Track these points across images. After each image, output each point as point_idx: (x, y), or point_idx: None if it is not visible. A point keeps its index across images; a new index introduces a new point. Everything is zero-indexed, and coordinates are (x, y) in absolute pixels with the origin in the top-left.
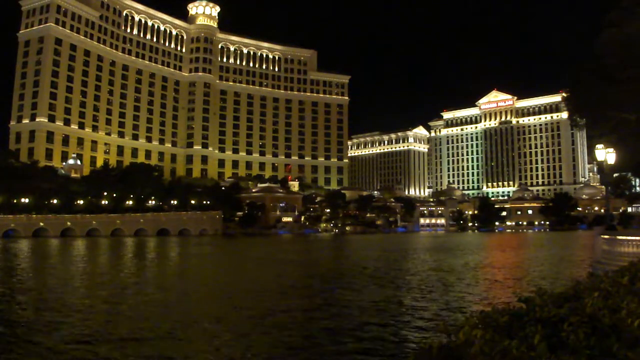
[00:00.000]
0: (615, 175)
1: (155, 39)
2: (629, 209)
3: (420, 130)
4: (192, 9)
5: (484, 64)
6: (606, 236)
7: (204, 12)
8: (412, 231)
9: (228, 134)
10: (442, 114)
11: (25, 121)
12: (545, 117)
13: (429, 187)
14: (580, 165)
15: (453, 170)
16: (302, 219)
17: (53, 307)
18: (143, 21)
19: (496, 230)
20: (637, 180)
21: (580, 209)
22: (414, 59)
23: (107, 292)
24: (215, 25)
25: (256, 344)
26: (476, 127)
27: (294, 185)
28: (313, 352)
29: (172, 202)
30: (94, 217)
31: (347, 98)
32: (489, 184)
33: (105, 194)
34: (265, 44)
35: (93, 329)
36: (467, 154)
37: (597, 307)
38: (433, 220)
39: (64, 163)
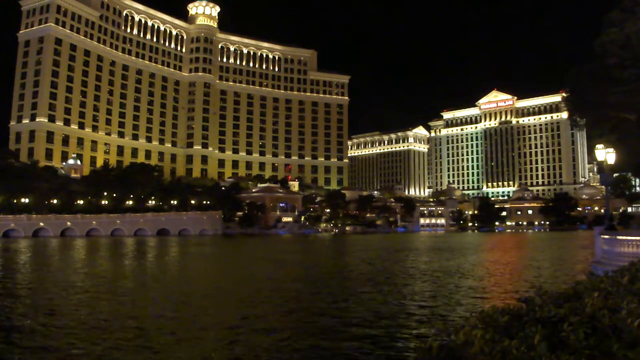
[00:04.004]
0: (615, 175)
1: (155, 39)
2: (629, 209)
3: (420, 130)
4: (192, 9)
5: (484, 64)
6: (606, 236)
7: (204, 12)
8: (412, 231)
9: (228, 134)
10: (442, 114)
11: (25, 121)
12: (545, 117)
13: (429, 187)
14: (580, 165)
15: (453, 170)
16: (302, 219)
17: (52, 307)
18: (143, 21)
19: (496, 230)
20: (637, 180)
21: (580, 209)
22: (414, 58)
23: (103, 292)
24: (215, 25)
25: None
26: (476, 127)
27: (294, 185)
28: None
29: (172, 202)
30: (94, 217)
31: (347, 98)
32: (489, 184)
33: (105, 194)
34: (265, 44)
35: (83, 333)
36: (467, 154)
37: (597, 307)
38: (433, 220)
39: (64, 163)
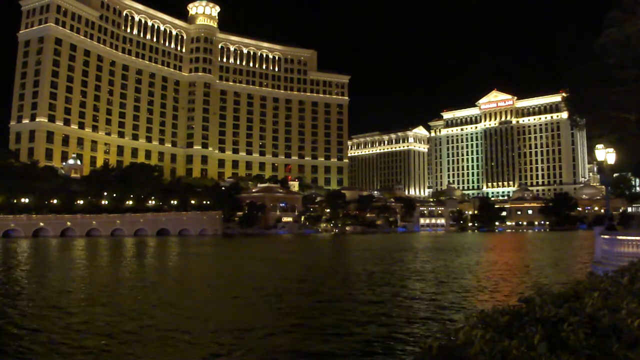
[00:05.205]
0: (615, 175)
1: (155, 39)
2: (629, 209)
3: (420, 130)
4: (192, 9)
5: (484, 64)
6: (606, 236)
7: (204, 12)
8: (412, 231)
9: (228, 134)
10: (442, 114)
11: (25, 121)
12: (545, 117)
13: (429, 187)
14: (580, 165)
15: (453, 170)
16: (302, 219)
17: (54, 306)
18: (143, 21)
19: (496, 230)
20: (637, 180)
21: (580, 209)
22: (414, 58)
23: (105, 292)
24: (215, 25)
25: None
26: (476, 127)
27: (294, 185)
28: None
29: (172, 202)
30: (93, 217)
31: (347, 98)
32: (489, 184)
33: (105, 194)
34: (265, 44)
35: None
36: (467, 154)
37: (597, 307)
38: (433, 220)
39: (64, 163)
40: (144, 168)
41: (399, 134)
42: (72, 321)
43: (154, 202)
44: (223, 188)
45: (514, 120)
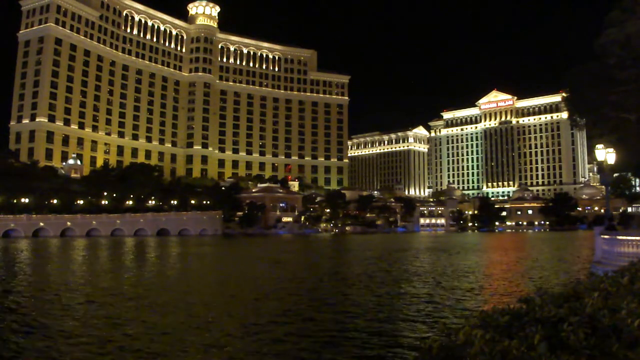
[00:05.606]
0: (615, 175)
1: (155, 39)
2: (629, 209)
3: (420, 130)
4: (192, 9)
5: (484, 64)
6: (606, 236)
7: (204, 12)
8: (412, 231)
9: (228, 134)
10: (442, 114)
11: (25, 121)
12: (545, 117)
13: (429, 187)
14: (580, 165)
15: (453, 170)
16: (302, 219)
17: (54, 308)
18: (143, 21)
19: (496, 230)
20: (637, 180)
21: (580, 209)
22: (414, 58)
23: (104, 293)
24: (215, 25)
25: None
26: (476, 127)
27: (294, 185)
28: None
29: (172, 202)
30: (93, 217)
31: (347, 98)
32: (489, 184)
33: (105, 194)
34: (265, 44)
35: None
36: (467, 154)
37: (597, 307)
38: (433, 220)
39: (64, 163)
40: (144, 168)
41: (399, 134)
42: (72, 322)
43: (154, 202)
44: (223, 188)
45: (514, 120)
